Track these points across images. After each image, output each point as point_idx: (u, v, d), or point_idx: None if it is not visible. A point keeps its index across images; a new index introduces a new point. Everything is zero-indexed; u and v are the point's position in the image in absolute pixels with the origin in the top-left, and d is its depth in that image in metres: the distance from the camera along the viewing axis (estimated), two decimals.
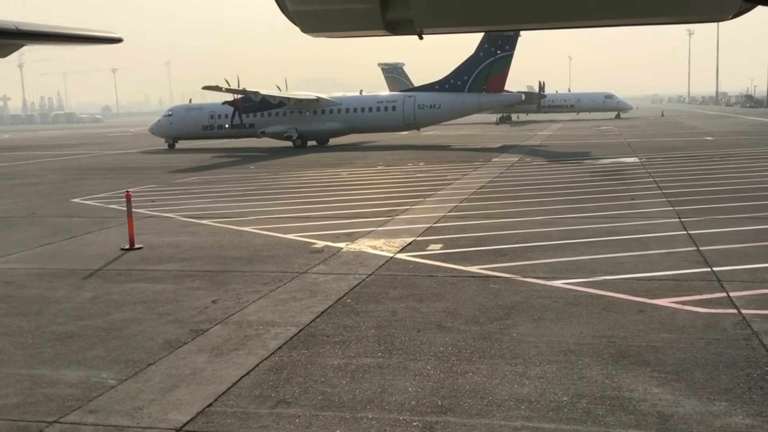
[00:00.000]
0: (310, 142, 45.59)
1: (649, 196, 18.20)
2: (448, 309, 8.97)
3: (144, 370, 7.17)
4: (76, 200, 21.27)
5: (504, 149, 37.88)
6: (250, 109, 43.93)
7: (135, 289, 10.41)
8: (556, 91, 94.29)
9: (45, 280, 11.22)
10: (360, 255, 12.33)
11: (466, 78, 43.65)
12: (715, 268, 10.40)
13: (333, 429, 5.71)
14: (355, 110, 45.00)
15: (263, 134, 44.93)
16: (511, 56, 43.22)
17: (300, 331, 8.26)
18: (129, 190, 16.40)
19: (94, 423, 5.92)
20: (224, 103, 44.48)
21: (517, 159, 31.46)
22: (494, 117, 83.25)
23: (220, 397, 6.41)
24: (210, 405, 6.23)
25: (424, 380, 6.68)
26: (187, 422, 5.89)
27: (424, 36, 2.65)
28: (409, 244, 13.11)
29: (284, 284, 10.42)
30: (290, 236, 14.11)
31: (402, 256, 12.14)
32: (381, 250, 12.61)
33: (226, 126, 45.04)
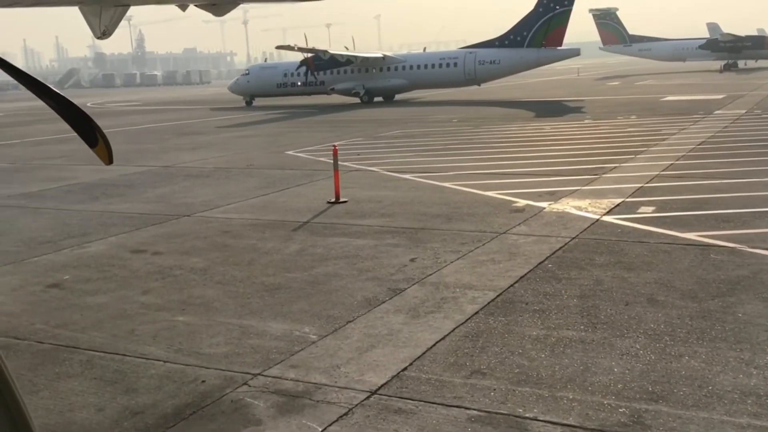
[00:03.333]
0: (377, 98, 46.80)
1: None
2: (661, 280, 8.22)
3: (343, 327, 7.28)
4: (289, 152, 22.37)
5: (729, 100, 34.43)
6: (321, 67, 46.15)
7: (338, 244, 10.68)
8: None
9: (258, 230, 11.86)
10: (563, 216, 11.72)
11: (525, 33, 43.94)
12: None
13: (530, 407, 5.40)
14: (418, 67, 46.40)
15: (333, 91, 46.80)
16: (569, 11, 43.18)
17: (498, 296, 7.97)
18: (336, 144, 16.88)
19: (294, 378, 6.09)
20: (301, 63, 46.67)
21: (744, 111, 28.43)
22: (718, 64, 76.14)
23: (414, 361, 6.33)
24: (405, 369, 6.17)
25: (632, 361, 6.14)
26: (382, 386, 5.87)
27: None
28: (618, 205, 12.25)
29: (483, 245, 10.15)
30: (491, 193, 13.77)
31: (609, 218, 11.37)
32: (586, 212, 11.90)
33: (299, 83, 47.28)
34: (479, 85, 47.73)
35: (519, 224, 11.25)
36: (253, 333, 7.21)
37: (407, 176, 16.44)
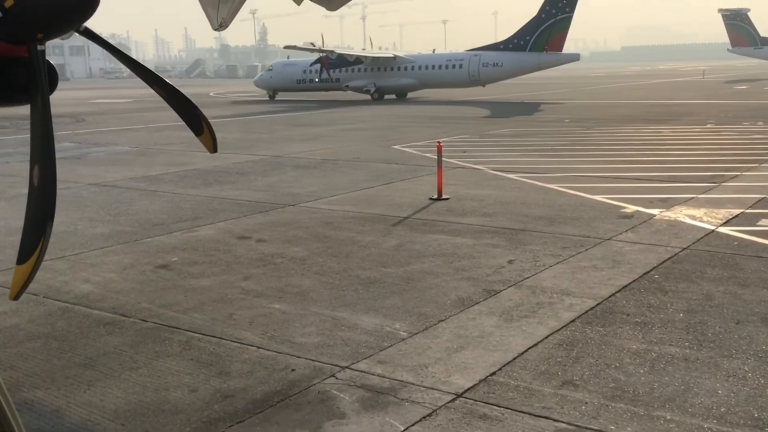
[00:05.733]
0: (389, 96, 49.24)
1: None
2: None
3: (434, 326, 7.22)
4: (396, 147, 22.45)
5: None
6: (334, 65, 49.10)
7: (436, 241, 10.61)
8: None
9: (358, 223, 11.96)
10: (675, 224, 11.16)
11: (528, 38, 45.53)
12: None
13: (623, 424, 5.16)
14: (426, 67, 48.67)
15: (347, 88, 49.49)
16: (570, 18, 44.36)
17: (597, 304, 7.68)
18: (442, 140, 16.78)
19: (380, 374, 6.09)
20: (315, 61, 49.60)
21: None
22: None
23: (504, 366, 6.19)
24: (493, 374, 6.04)
25: (738, 383, 5.75)
26: (469, 389, 5.76)
27: None
28: (736, 216, 11.55)
29: (585, 250, 9.81)
30: (598, 197, 13.30)
31: (725, 229, 10.73)
32: (701, 221, 11.29)
33: (316, 80, 50.04)
34: (483, 86, 49.25)
35: (626, 231, 10.80)
36: (344, 325, 7.27)
37: (512, 176, 16.14)
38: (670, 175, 15.54)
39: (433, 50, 56.97)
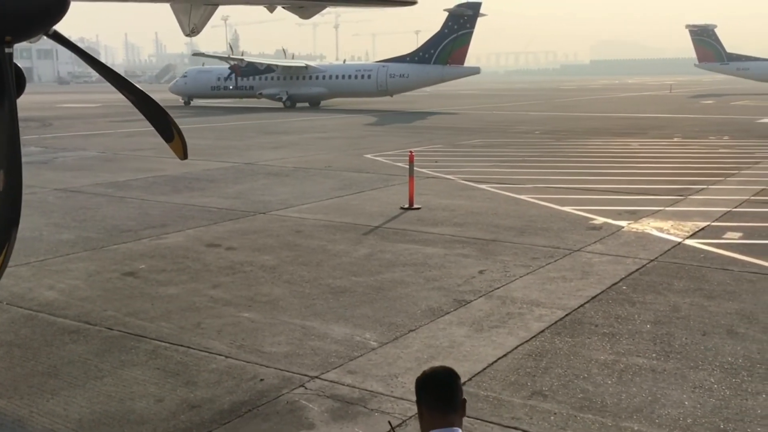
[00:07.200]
0: (302, 104, 50.81)
1: None
2: (743, 311, 7.79)
3: (405, 335, 7.20)
4: (368, 156, 22.46)
5: None
6: (246, 73, 50.56)
7: (407, 250, 10.60)
8: None
9: (329, 232, 11.92)
10: (643, 236, 11.30)
11: (432, 52, 48.24)
12: None
13: None
14: (337, 77, 50.67)
15: (261, 95, 50.79)
16: (471, 33, 47.15)
17: (566, 315, 7.73)
18: (414, 150, 16.79)
19: (350, 384, 6.05)
20: (230, 67, 51.85)
21: None
22: None
23: (474, 377, 6.19)
24: (463, 384, 6.01)
25: (704, 395, 5.82)
26: None
27: None
28: (702, 229, 11.73)
29: (555, 261, 9.89)
30: (567, 209, 13.42)
31: (692, 242, 10.89)
32: (668, 234, 11.44)
33: (230, 87, 51.19)
34: (391, 96, 51.60)
35: (594, 242, 10.91)
36: (314, 335, 7.22)
37: (483, 186, 16.22)
38: (638, 188, 15.74)
39: (344, 61, 59.23)
